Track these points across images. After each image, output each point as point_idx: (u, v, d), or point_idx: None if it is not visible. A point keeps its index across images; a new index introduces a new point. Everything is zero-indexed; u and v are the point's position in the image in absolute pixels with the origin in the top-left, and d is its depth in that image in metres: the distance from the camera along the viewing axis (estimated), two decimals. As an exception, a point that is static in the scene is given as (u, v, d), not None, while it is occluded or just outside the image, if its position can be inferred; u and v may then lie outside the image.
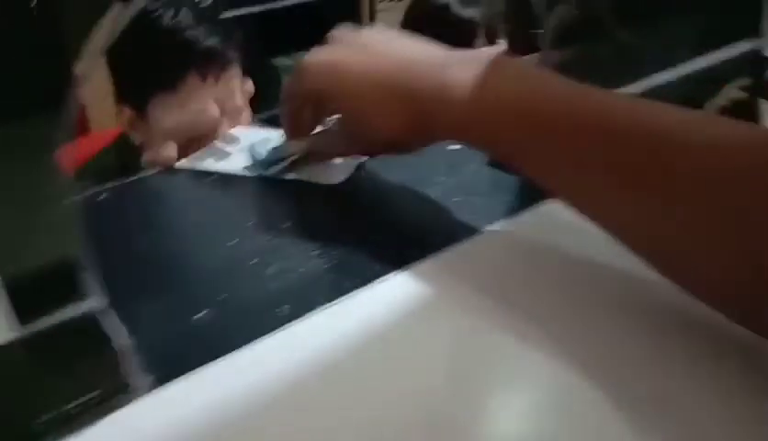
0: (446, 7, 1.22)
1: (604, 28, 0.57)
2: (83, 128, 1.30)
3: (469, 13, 1.21)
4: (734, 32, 0.64)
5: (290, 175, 0.53)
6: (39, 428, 0.30)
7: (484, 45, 1.21)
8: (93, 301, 0.34)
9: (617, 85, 0.57)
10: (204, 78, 0.87)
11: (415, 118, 0.43)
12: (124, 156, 0.97)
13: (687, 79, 0.60)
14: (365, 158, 0.54)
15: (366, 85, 0.45)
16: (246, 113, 0.91)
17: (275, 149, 0.54)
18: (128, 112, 0.91)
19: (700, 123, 0.35)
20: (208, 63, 0.88)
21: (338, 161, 0.54)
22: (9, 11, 0.30)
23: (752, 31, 0.53)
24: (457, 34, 1.20)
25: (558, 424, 0.31)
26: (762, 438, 0.30)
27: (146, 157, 0.83)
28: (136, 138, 0.91)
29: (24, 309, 0.31)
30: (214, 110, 0.86)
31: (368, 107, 0.45)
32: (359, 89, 0.45)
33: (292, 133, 0.53)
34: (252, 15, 1.79)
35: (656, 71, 0.59)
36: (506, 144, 0.41)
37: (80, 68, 0.31)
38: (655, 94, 0.57)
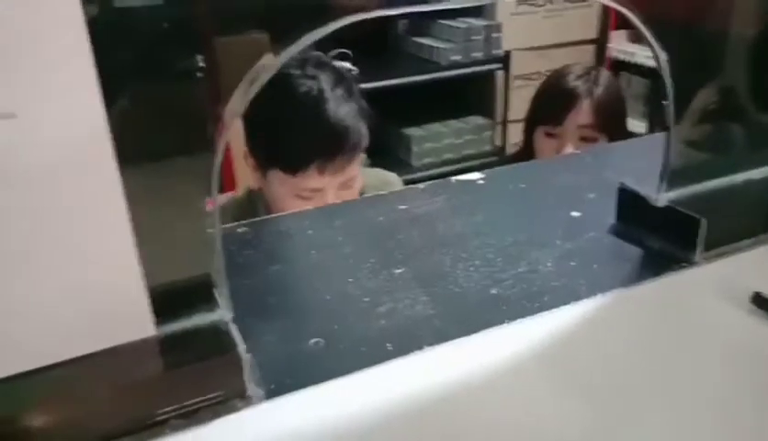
0: (564, 76, 1.27)
1: (741, 110, 0.56)
2: (228, 170, 1.45)
3: (575, 83, 1.26)
4: None
5: None
6: (162, 416, 0.33)
7: (586, 116, 1.24)
8: (221, 313, 0.37)
9: (748, 168, 0.56)
10: (323, 171, 0.87)
11: None
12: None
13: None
14: None
15: None
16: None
17: None
18: (251, 161, 0.97)
19: None
20: (333, 154, 0.87)
21: None
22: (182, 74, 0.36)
23: None
24: (564, 104, 1.25)
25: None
26: None
27: None
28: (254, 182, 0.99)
29: (161, 312, 0.35)
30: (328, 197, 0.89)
31: None
32: None
33: None
34: (387, 87, 1.89)
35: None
36: None
37: (227, 112, 0.36)
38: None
